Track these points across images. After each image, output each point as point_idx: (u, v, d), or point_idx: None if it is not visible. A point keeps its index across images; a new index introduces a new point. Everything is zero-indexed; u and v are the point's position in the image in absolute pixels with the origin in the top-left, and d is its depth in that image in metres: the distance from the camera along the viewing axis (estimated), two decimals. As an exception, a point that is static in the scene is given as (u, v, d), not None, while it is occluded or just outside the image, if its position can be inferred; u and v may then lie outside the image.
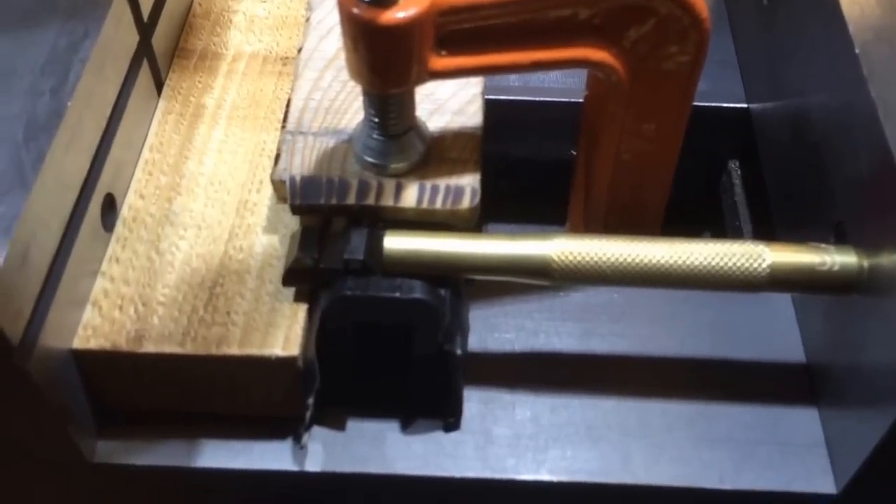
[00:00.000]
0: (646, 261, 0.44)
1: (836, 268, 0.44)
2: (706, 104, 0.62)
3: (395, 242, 0.45)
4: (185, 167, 0.51)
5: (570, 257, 0.44)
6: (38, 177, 0.39)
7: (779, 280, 0.44)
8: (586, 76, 0.50)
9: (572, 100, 0.63)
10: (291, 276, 0.45)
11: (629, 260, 0.44)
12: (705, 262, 0.44)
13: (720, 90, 0.64)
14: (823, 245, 0.45)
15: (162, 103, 0.54)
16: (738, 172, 0.68)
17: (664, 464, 0.48)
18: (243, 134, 0.53)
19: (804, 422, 0.49)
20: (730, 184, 0.68)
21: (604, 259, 0.44)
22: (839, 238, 0.47)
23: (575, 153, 0.64)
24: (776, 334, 0.52)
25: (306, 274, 0.45)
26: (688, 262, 0.44)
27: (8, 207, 0.38)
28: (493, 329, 0.52)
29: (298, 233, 0.46)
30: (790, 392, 0.50)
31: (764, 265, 0.44)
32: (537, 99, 0.65)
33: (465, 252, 0.45)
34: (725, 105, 0.64)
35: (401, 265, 0.45)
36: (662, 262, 0.44)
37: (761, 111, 0.62)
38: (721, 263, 0.44)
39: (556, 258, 0.44)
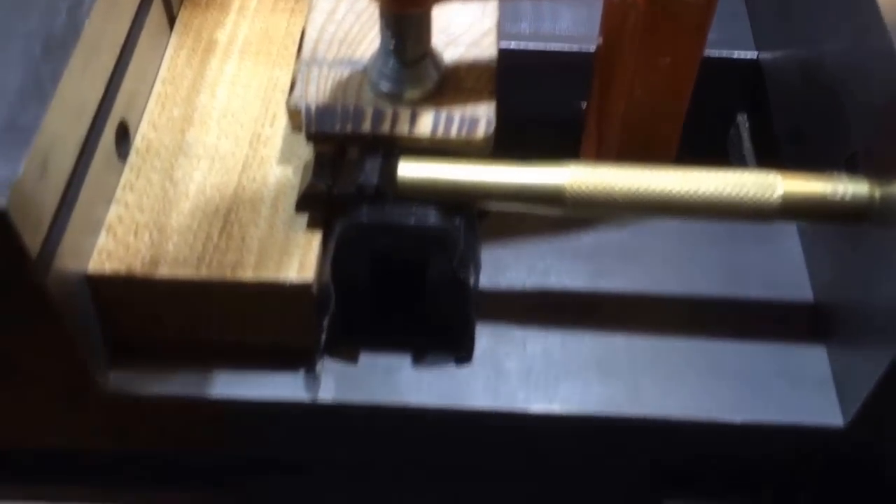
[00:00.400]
0: (658, 189, 0.44)
1: (847, 197, 0.44)
2: (715, 54, 0.62)
3: (410, 169, 0.45)
4: (197, 100, 0.51)
5: (584, 185, 0.44)
6: (56, 92, 0.39)
7: (790, 209, 0.45)
8: (602, 9, 0.50)
9: (584, 47, 0.63)
10: (305, 202, 0.45)
11: (642, 188, 0.44)
12: (718, 191, 0.44)
13: (729, 39, 0.64)
14: (836, 174, 0.45)
15: (174, 38, 0.54)
16: (747, 125, 0.68)
17: (674, 397, 0.48)
18: (255, 69, 0.53)
19: (812, 358, 0.49)
20: (738, 137, 0.68)
21: (616, 187, 0.44)
22: (850, 171, 0.47)
23: (585, 105, 0.64)
24: (785, 274, 0.52)
25: (320, 200, 0.45)
26: (700, 191, 0.44)
27: (28, 119, 0.37)
28: (504, 269, 0.52)
29: (312, 160, 0.46)
30: (798, 329, 0.50)
31: (776, 194, 0.44)
32: (547, 46, 0.64)
33: (478, 179, 0.45)
34: (735, 55, 0.64)
35: (414, 192, 0.45)
36: (675, 190, 0.44)
37: (772, 59, 0.62)
38: (734, 192, 0.44)
39: (569, 186, 0.44)
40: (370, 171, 0.45)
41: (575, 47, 0.65)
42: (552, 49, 0.65)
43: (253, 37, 0.54)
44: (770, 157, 0.61)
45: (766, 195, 0.44)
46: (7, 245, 0.36)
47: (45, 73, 0.39)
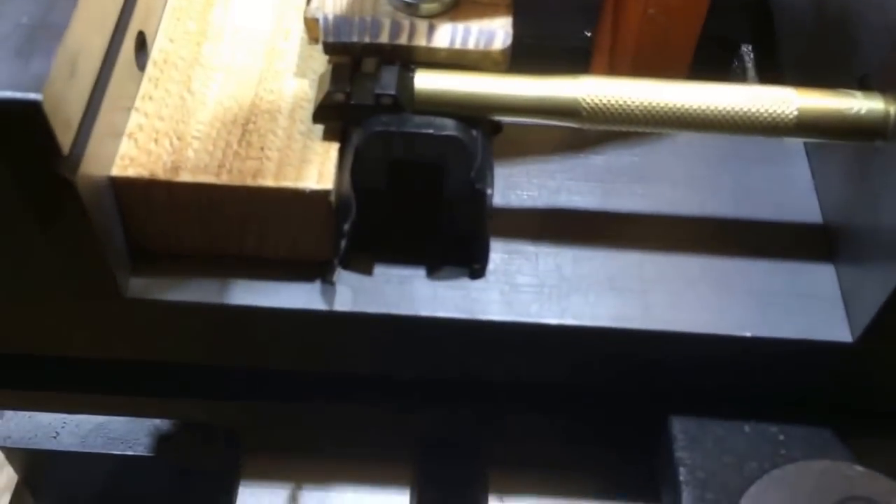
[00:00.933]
0: (674, 103, 0.45)
1: (863, 112, 0.45)
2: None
3: (427, 80, 0.45)
4: (211, 14, 0.51)
5: (600, 97, 0.45)
6: (82, -7, 0.39)
7: (805, 125, 0.45)
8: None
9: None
10: (322, 113, 0.46)
11: (657, 101, 0.45)
12: (734, 106, 0.45)
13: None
14: (851, 91, 0.46)
15: (188, -45, 0.54)
16: (751, 56, 0.68)
17: (685, 311, 0.48)
18: (270, -15, 0.53)
19: (821, 276, 0.50)
20: (742, 69, 0.68)
21: (632, 99, 0.45)
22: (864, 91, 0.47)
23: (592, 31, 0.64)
24: (794, 196, 0.53)
25: (337, 109, 0.45)
26: (716, 105, 0.45)
27: (57, 18, 0.38)
28: (515, 187, 0.53)
29: (329, 70, 0.46)
30: (807, 249, 0.51)
31: (791, 109, 0.45)
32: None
33: (495, 91, 0.45)
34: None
35: (432, 103, 0.45)
36: (691, 104, 0.45)
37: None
38: (750, 107, 0.45)
39: (585, 98, 0.45)
40: (387, 81, 0.45)
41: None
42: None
43: (268, -47, 0.54)
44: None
45: (782, 110, 0.45)
46: (41, 139, 0.37)
47: (71, -24, 0.39)
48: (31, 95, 0.36)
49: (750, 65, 0.68)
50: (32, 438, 0.84)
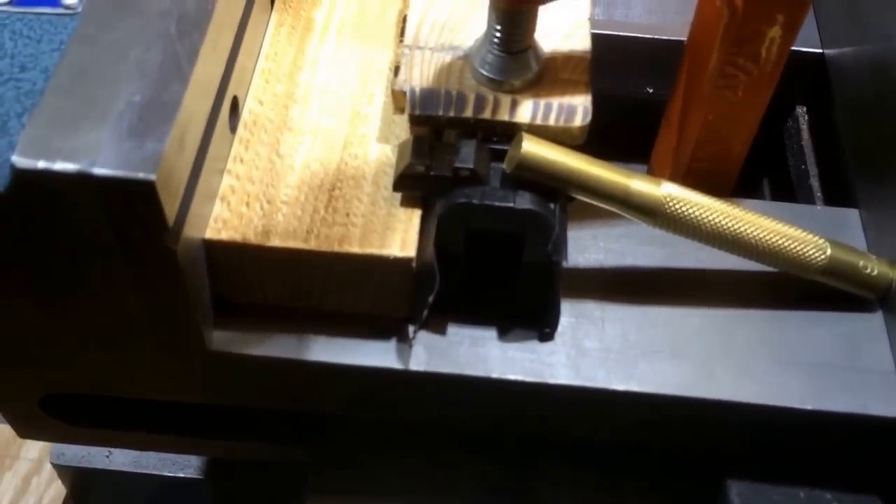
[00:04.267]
0: (737, 231, 0.49)
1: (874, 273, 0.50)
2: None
3: (533, 147, 0.47)
4: (299, 77, 0.53)
5: (679, 208, 0.47)
6: (193, 70, 0.41)
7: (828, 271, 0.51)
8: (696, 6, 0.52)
9: (656, 36, 0.65)
10: (403, 182, 0.48)
11: (725, 227, 0.49)
12: (778, 243, 0.50)
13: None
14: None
15: (275, 16, 0.56)
16: (806, 118, 0.70)
17: (747, 382, 0.50)
18: (352, 49, 0.55)
19: (877, 351, 0.52)
20: (796, 129, 0.70)
21: (705, 219, 0.49)
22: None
23: (651, 90, 0.66)
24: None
25: (417, 179, 0.47)
26: (766, 240, 0.50)
27: (170, 95, 0.40)
28: (582, 250, 0.54)
29: (410, 140, 0.48)
30: (864, 323, 0.52)
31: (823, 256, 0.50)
32: (620, 34, 0.66)
33: (588, 171, 0.47)
34: (800, 49, 0.66)
35: (531, 170, 0.47)
36: (749, 235, 0.49)
37: (838, 56, 0.64)
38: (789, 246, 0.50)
39: (667, 204, 0.47)
40: (466, 156, 0.47)
41: (647, 36, 0.67)
42: (625, 35, 0.67)
43: (348, 18, 0.56)
44: (829, 149, 0.63)
45: (814, 254, 0.50)
46: (151, 215, 0.39)
47: (181, 52, 0.41)
48: (146, 175, 0.38)
49: (804, 126, 0.70)
50: (85, 457, 0.87)
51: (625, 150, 0.68)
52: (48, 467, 0.96)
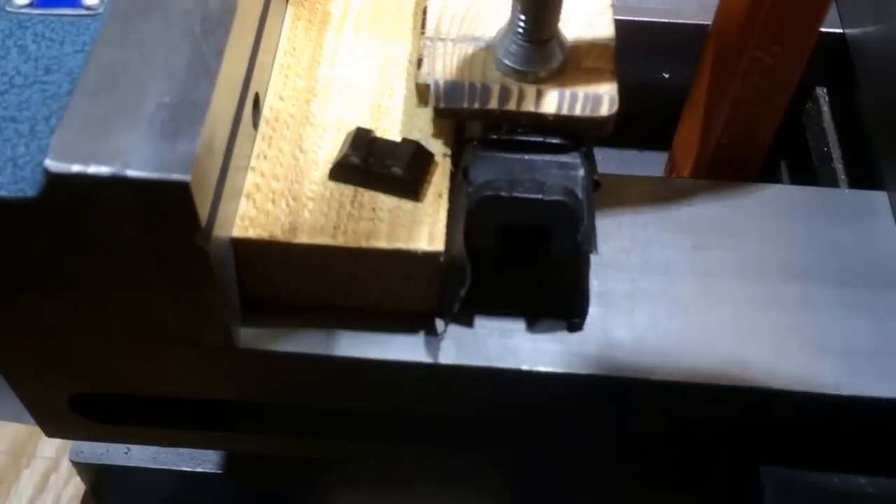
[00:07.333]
0: None
1: None
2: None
3: None
4: (318, 72, 0.53)
5: None
6: (220, 69, 0.40)
7: None
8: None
9: (671, 20, 0.65)
10: (336, 171, 0.48)
11: None
12: None
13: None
14: None
15: (290, 10, 0.55)
16: (827, 99, 0.69)
17: (780, 369, 0.50)
18: (370, 42, 0.54)
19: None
20: (817, 110, 0.70)
21: None
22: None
23: (667, 76, 0.65)
24: (883, 252, 0.54)
25: (350, 171, 0.48)
26: None
27: (199, 96, 0.39)
28: (608, 238, 0.54)
29: (353, 133, 0.49)
30: (896, 304, 0.52)
31: None
32: (635, 19, 0.66)
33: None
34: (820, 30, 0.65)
35: None
36: None
37: (860, 35, 0.63)
38: None
39: None
40: (402, 154, 0.48)
41: (663, 20, 0.66)
42: (639, 20, 0.67)
43: (365, 11, 0.56)
44: (852, 130, 0.63)
45: None
46: (185, 215, 0.39)
47: (207, 51, 0.41)
48: (180, 176, 0.37)
49: (825, 107, 0.70)
50: (104, 454, 0.87)
51: (646, 137, 0.68)
52: (65, 465, 0.96)
